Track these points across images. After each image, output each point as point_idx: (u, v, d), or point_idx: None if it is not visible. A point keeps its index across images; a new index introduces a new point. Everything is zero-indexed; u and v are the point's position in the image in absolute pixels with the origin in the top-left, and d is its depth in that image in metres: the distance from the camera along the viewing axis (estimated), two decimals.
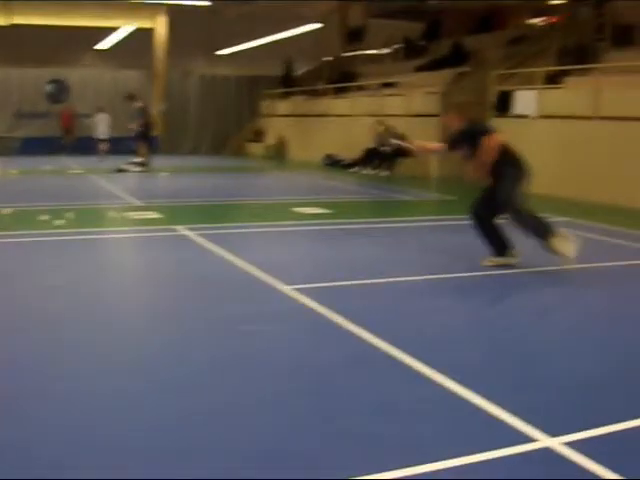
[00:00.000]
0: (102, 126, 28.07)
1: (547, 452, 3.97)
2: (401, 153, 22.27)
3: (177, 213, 13.52)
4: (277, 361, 5.50)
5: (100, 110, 28.56)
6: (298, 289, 7.50)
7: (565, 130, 17.17)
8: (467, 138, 8.91)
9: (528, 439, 4.11)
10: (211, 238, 10.43)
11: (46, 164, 24.49)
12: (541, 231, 8.70)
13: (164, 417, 4.42)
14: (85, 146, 29.09)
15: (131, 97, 24.75)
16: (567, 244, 8.60)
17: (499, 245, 8.91)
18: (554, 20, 27.42)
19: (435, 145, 9.72)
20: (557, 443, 4.05)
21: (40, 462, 3.83)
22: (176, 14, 31.12)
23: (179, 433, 4.20)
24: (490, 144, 8.66)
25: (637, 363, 5.62)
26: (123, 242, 11.19)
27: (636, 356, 5.79)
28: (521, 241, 8.91)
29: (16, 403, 4.61)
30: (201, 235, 10.65)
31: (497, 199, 8.79)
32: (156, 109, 31.18)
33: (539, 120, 18.09)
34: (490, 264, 8.83)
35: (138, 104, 23.96)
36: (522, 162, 8.87)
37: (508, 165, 8.75)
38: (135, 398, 4.73)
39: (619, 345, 6.09)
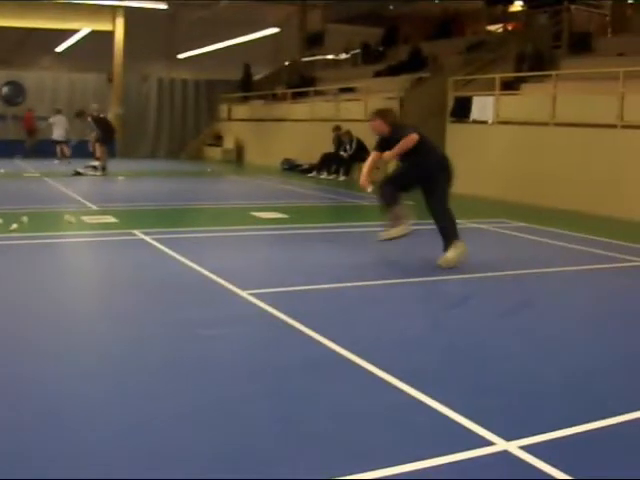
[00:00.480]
0: (59, 129, 27.88)
1: (505, 455, 3.98)
2: (359, 158, 22.37)
3: (134, 217, 13.42)
4: (236, 365, 5.45)
5: (57, 112, 28.36)
6: (256, 294, 7.46)
7: (522, 136, 17.28)
8: (394, 142, 9.23)
9: (486, 443, 4.11)
10: (168, 242, 10.36)
11: (0, 167, 24.22)
12: (451, 232, 9.22)
13: (126, 422, 4.37)
14: (42, 149, 28.84)
15: (79, 114, 24.86)
16: (458, 252, 9.14)
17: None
18: (512, 27, 27.69)
19: (370, 162, 9.79)
20: (514, 447, 4.06)
21: None
22: (135, 17, 30.97)
23: (142, 437, 4.15)
24: (410, 138, 9.09)
25: (590, 368, 5.66)
26: (79, 246, 11.08)
27: (589, 361, 5.84)
28: (483, 247, 8.94)
29: None
30: (158, 240, 10.58)
31: (433, 204, 9.35)
32: (113, 112, 30.98)
33: (496, 126, 18.21)
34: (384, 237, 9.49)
35: (88, 118, 23.81)
36: (444, 159, 9.57)
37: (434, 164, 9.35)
38: (96, 403, 4.66)
39: (574, 350, 6.14)
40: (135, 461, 3.86)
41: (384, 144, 9.45)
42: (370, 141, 22.30)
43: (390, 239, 9.45)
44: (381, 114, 9.66)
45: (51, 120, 28.27)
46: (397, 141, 9.18)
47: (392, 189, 9.43)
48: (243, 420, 4.43)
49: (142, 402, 4.69)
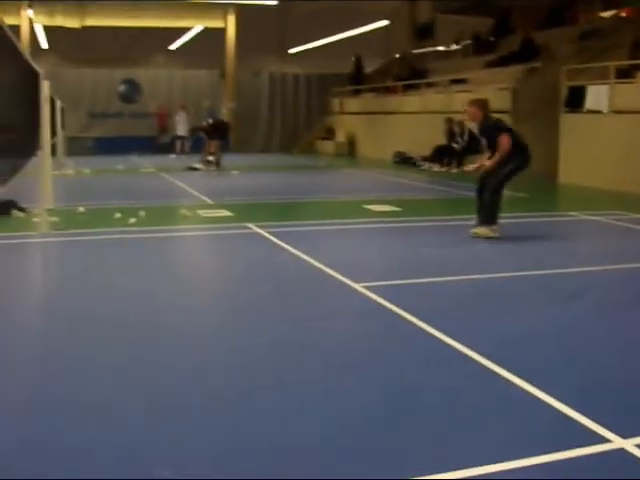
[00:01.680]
0: (182, 124, 28.54)
1: (621, 453, 3.92)
2: (471, 149, 22.21)
3: (249, 211, 13.61)
4: (350, 358, 5.53)
5: (182, 109, 29.01)
6: (370, 287, 7.52)
7: (638, 125, 16.92)
8: (483, 134, 10.67)
9: (602, 440, 4.06)
10: (283, 236, 10.50)
11: (119, 163, 24.83)
12: (491, 215, 10.47)
13: (281, 411, 4.50)
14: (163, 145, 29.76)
15: (193, 131, 25.63)
16: (488, 235, 10.39)
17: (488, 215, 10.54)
18: (626, 13, 27.05)
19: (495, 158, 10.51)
20: (631, 444, 3.99)
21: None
22: (245, 13, 31.38)
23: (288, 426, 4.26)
24: (504, 148, 10.24)
25: None
26: (195, 240, 11.33)
27: None
28: (600, 239, 8.78)
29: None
30: (273, 233, 10.73)
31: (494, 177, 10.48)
32: (226, 108, 31.44)
33: (612, 115, 17.87)
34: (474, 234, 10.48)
35: (200, 133, 24.31)
36: (527, 152, 10.56)
37: (515, 157, 10.36)
38: (230, 400, 4.74)
39: None
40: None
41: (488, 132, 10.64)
42: None
43: (479, 237, 10.43)
44: (479, 103, 10.81)
45: (177, 118, 29.01)
46: (486, 134, 10.63)
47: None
48: (365, 411, 4.51)
49: (266, 392, 4.80)
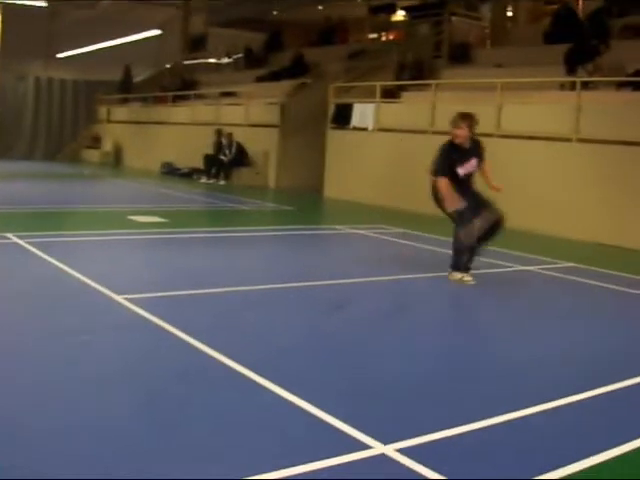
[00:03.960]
0: None
1: (382, 458, 3.98)
2: (239, 162, 22.30)
3: (7, 220, 12.99)
4: (110, 372, 5.28)
5: None
6: (131, 299, 7.25)
7: (402, 143, 17.44)
8: (471, 154, 9.02)
9: (363, 446, 4.09)
10: (43, 246, 10.03)
11: None
12: (463, 261, 9.00)
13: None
14: None
15: None
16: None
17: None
18: (394, 36, 27.99)
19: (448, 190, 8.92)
20: (391, 450, 4.05)
21: None
22: (13, 13, 30.22)
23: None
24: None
25: (464, 371, 5.74)
26: None
27: (464, 364, 5.92)
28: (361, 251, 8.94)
29: None
30: (32, 243, 10.22)
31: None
32: None
33: (376, 133, 18.34)
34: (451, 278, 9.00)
35: None
36: None
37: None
38: None
39: (450, 352, 6.21)
40: None
41: (456, 156, 8.94)
42: (253, 147, 22.41)
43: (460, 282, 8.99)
44: (467, 119, 9.04)
45: None
46: (476, 154, 9.06)
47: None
48: (123, 428, 4.32)
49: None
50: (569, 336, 7.00)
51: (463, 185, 8.89)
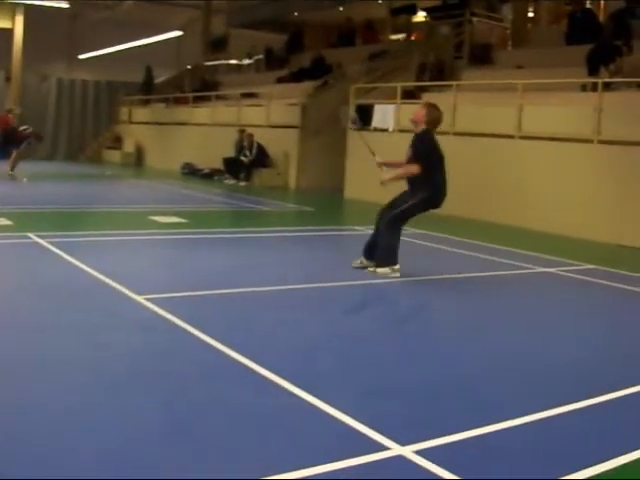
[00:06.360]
0: None
1: (399, 460, 3.96)
2: (259, 163, 22.32)
3: (30, 220, 13.01)
4: (129, 371, 5.30)
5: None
6: (152, 299, 7.27)
7: None
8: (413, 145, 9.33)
9: (381, 448, 4.08)
10: (65, 246, 10.07)
11: None
12: (389, 255, 8.98)
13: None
14: None
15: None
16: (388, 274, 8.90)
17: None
18: (415, 37, 27.92)
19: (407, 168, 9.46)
20: (409, 451, 4.04)
21: None
22: (35, 15, 30.34)
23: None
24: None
25: (484, 372, 5.73)
26: None
27: (481, 366, 5.89)
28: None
29: None
30: (54, 243, 10.27)
31: (397, 205, 9.15)
32: (11, 112, 30.28)
33: (397, 134, 18.29)
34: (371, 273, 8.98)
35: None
36: (441, 189, 9.13)
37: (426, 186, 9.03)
38: None
39: (470, 354, 6.18)
40: None
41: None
42: (274, 148, 22.41)
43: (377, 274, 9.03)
44: (431, 107, 9.60)
45: None
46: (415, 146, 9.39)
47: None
48: (141, 427, 4.34)
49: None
50: (592, 338, 6.98)
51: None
